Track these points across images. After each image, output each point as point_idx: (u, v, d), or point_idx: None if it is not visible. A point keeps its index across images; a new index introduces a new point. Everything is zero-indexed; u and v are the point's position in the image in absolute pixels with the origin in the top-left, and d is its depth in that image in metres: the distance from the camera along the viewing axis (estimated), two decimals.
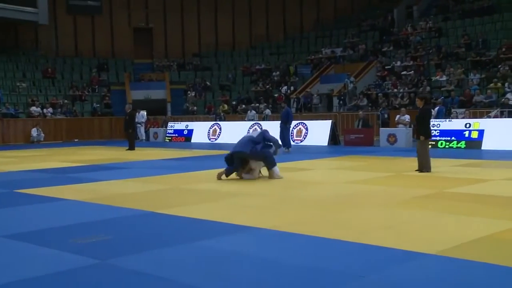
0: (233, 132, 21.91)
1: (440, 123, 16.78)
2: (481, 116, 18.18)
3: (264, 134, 9.86)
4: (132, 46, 34.58)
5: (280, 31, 36.40)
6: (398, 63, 26.77)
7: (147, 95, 30.19)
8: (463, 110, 19.53)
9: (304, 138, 19.84)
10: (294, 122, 18.72)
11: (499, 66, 22.75)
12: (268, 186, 8.74)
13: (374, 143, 18.20)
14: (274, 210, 6.70)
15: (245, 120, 23.92)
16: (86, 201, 7.59)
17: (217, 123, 23.64)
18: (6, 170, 12.18)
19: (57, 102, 28.28)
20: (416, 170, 10.13)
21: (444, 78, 23.87)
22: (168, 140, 24.35)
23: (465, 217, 5.98)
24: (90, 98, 30.18)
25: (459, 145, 16.17)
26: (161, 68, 33.63)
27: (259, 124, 21.73)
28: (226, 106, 28.53)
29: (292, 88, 29.31)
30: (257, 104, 27.54)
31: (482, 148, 15.62)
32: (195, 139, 23.41)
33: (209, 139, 22.97)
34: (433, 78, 24.33)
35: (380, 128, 18.97)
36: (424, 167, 10.03)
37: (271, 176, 9.55)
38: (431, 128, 11.63)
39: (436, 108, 18.67)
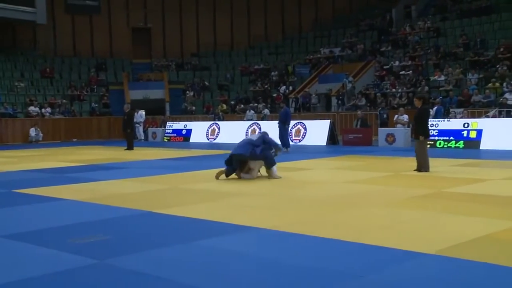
0: (232, 132, 21.93)
1: (438, 123, 16.80)
2: (479, 116, 18.20)
3: (264, 137, 9.84)
4: (130, 46, 34.55)
5: (278, 31, 36.40)
6: (397, 63, 26.79)
7: (146, 95, 30.17)
8: (461, 110, 19.55)
9: (303, 138, 19.84)
10: (292, 122, 18.72)
11: (497, 66, 22.77)
12: (267, 186, 8.74)
13: (373, 143, 18.21)
14: (273, 210, 6.70)
15: (244, 120, 23.92)
16: (85, 201, 7.58)
17: (215, 123, 23.63)
18: (4, 170, 12.16)
19: (56, 102, 28.25)
20: (415, 170, 10.13)
21: (443, 78, 23.88)
22: (166, 140, 24.34)
23: (464, 217, 5.98)
24: (88, 98, 30.14)
25: (457, 145, 16.19)
26: (159, 68, 33.61)
27: (257, 124, 21.74)
28: (224, 106, 28.52)
29: (290, 88, 29.31)
30: (256, 104, 27.54)
31: (481, 148, 15.64)
32: (193, 139, 23.40)
33: (208, 139, 22.96)
34: (432, 78, 24.35)
35: (379, 128, 18.99)
36: (422, 166, 10.04)
37: (269, 176, 9.56)
38: (429, 128, 11.64)
39: (435, 108, 18.69)
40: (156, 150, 18.78)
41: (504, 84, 20.92)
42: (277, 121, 17.37)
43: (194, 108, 29.18)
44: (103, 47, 34.07)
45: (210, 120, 24.80)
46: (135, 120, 22.00)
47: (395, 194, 7.65)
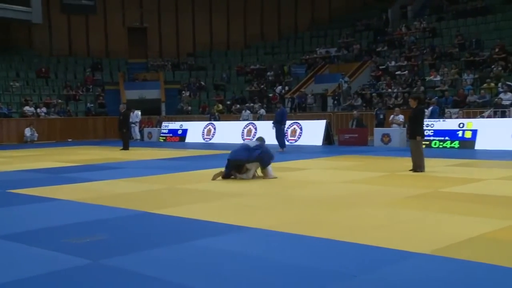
0: (228, 132, 21.94)
1: (434, 123, 16.85)
2: (474, 116, 18.26)
3: (262, 146, 9.74)
4: (126, 46, 34.49)
5: (274, 31, 36.41)
6: (393, 63, 26.84)
7: (142, 95, 30.14)
8: (456, 110, 19.60)
9: (299, 138, 19.86)
10: (288, 122, 18.74)
11: (493, 66, 22.85)
12: (262, 186, 8.74)
13: (368, 143, 18.24)
14: (269, 210, 6.71)
15: (240, 120, 23.91)
16: (80, 201, 7.57)
17: (211, 123, 23.62)
18: None
19: (51, 101, 28.17)
20: (410, 170, 10.16)
21: (438, 78, 23.95)
22: (162, 140, 24.31)
23: (459, 217, 6.00)
24: (84, 98, 30.09)
25: (452, 145, 16.24)
26: (155, 67, 33.57)
27: (253, 124, 21.73)
28: (220, 106, 28.51)
29: (286, 88, 29.33)
30: (252, 104, 27.54)
31: (476, 148, 15.70)
32: (189, 139, 23.38)
33: (204, 139, 22.94)
34: (427, 78, 24.41)
35: (374, 128, 19.02)
36: (418, 166, 10.07)
37: (265, 176, 9.56)
38: (425, 128, 11.69)
39: (430, 108, 18.74)
40: (152, 150, 18.76)
41: (499, 85, 20.99)
42: (272, 121, 17.41)
43: (190, 108, 29.16)
44: (99, 47, 34.00)
45: (206, 120, 24.78)
46: (131, 120, 21.96)
47: (391, 194, 7.67)
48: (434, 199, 7.16)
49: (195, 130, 23.52)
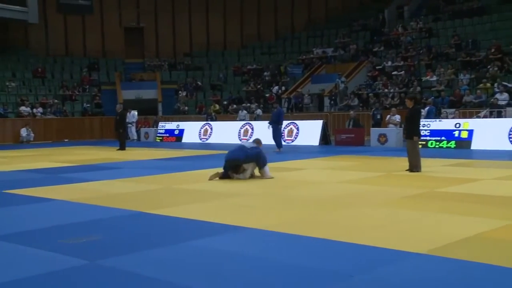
0: (224, 132, 21.93)
1: (430, 123, 16.88)
2: (470, 116, 18.32)
3: (258, 152, 9.70)
4: (123, 46, 34.43)
5: (271, 31, 36.42)
6: (389, 63, 26.88)
7: (138, 95, 30.10)
8: (453, 110, 19.65)
9: (295, 138, 19.87)
10: (285, 122, 18.76)
11: (489, 67, 22.91)
12: (259, 186, 8.74)
13: (365, 143, 18.27)
14: (266, 210, 6.71)
15: (237, 120, 23.91)
16: (77, 201, 7.55)
17: (208, 123, 23.61)
18: None
19: (47, 102, 28.09)
20: (407, 170, 10.18)
21: (435, 78, 24.00)
22: (159, 140, 24.29)
23: (456, 216, 6.02)
24: (80, 98, 30.02)
25: (449, 145, 16.28)
26: (152, 68, 33.53)
27: (250, 124, 21.74)
28: (217, 106, 28.50)
29: (283, 88, 29.34)
30: (248, 104, 27.55)
31: (472, 148, 15.74)
32: (186, 139, 23.36)
33: (200, 139, 22.93)
34: (424, 78, 24.46)
35: (371, 128, 19.05)
36: (414, 166, 10.09)
37: (262, 176, 9.57)
38: (421, 128, 11.70)
39: (427, 108, 18.78)
40: (149, 150, 18.74)
41: (495, 85, 21.06)
42: (268, 121, 17.42)
43: (186, 108, 29.14)
44: (96, 46, 33.93)
45: (202, 120, 24.77)
46: (127, 120, 21.94)
47: (388, 194, 7.68)
48: (431, 199, 7.18)
49: (191, 130, 23.50)
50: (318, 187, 8.59)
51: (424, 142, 15.95)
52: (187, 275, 4.11)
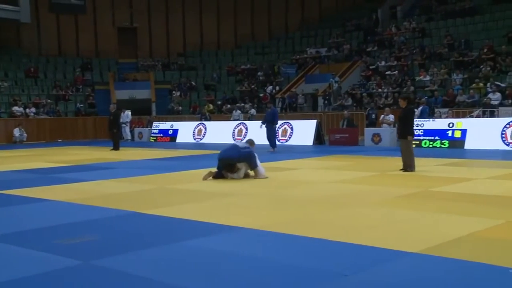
0: (219, 132, 21.91)
1: (424, 122, 16.94)
2: (464, 115, 18.40)
3: (250, 153, 9.73)
4: (116, 46, 34.32)
5: (265, 31, 36.42)
6: (383, 63, 26.96)
7: (132, 95, 30.02)
8: (446, 109, 19.73)
9: (289, 138, 19.88)
10: (279, 122, 18.75)
11: (481, 67, 23.03)
12: (254, 186, 8.74)
13: (359, 143, 18.30)
14: (260, 210, 6.71)
15: (231, 120, 23.90)
16: (71, 201, 7.52)
17: (202, 123, 23.58)
18: None
19: (40, 101, 27.96)
20: (401, 170, 10.21)
21: (428, 78, 24.09)
22: (153, 140, 24.24)
23: (450, 216, 6.03)
24: (73, 98, 29.90)
25: (442, 145, 16.34)
26: (145, 67, 33.45)
27: (244, 124, 21.73)
28: (211, 106, 28.48)
29: (277, 88, 29.35)
30: (242, 104, 27.54)
31: (465, 147, 15.80)
32: (180, 139, 23.32)
33: (194, 139, 22.90)
34: (417, 78, 24.55)
35: (365, 128, 19.10)
36: (408, 166, 10.12)
37: (256, 176, 9.56)
38: (414, 127, 11.74)
39: (420, 108, 18.84)
40: (143, 150, 18.69)
41: (488, 85, 21.17)
42: (261, 121, 17.43)
43: (180, 108, 29.09)
44: (89, 46, 33.80)
45: (196, 120, 24.74)
46: (121, 120, 21.87)
47: (382, 193, 7.70)
48: (425, 199, 7.20)
49: (186, 130, 23.47)
50: (312, 187, 8.59)
51: (417, 142, 16.01)
52: (181, 275, 4.10)
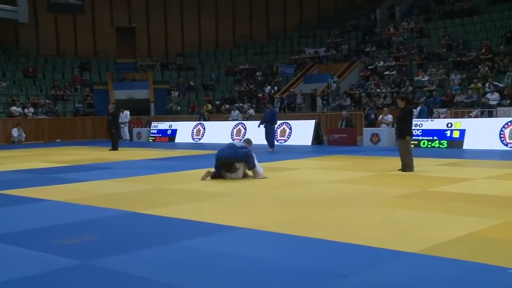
0: (217, 132, 21.90)
1: (422, 122, 16.96)
2: (462, 116, 18.42)
3: (247, 148, 9.76)
4: (114, 46, 34.30)
5: (263, 31, 36.43)
6: (381, 63, 26.97)
7: (130, 95, 30.00)
8: (444, 110, 19.75)
9: (288, 138, 19.89)
10: (277, 122, 18.76)
11: (479, 67, 23.06)
12: (252, 186, 8.74)
13: (358, 143, 18.31)
14: (259, 210, 6.71)
15: (229, 120, 23.90)
16: (69, 201, 7.51)
17: (201, 123, 23.58)
18: None
19: (39, 102, 27.93)
20: (399, 170, 10.22)
21: (426, 78, 24.12)
22: (151, 140, 24.22)
23: (449, 216, 6.04)
24: (72, 98, 29.88)
25: (441, 145, 16.36)
26: (144, 67, 33.44)
27: (243, 124, 21.73)
28: (209, 106, 28.47)
29: (276, 88, 29.36)
30: (241, 104, 27.54)
31: (464, 147, 15.82)
32: (178, 139, 23.32)
33: (193, 139, 22.90)
34: (415, 78, 24.57)
35: (364, 128, 19.11)
36: (407, 166, 10.12)
37: (255, 176, 9.56)
38: (413, 127, 11.76)
39: (418, 108, 18.86)
40: (141, 150, 18.68)
41: (486, 85, 21.19)
42: (259, 121, 17.42)
43: (179, 108, 29.08)
44: (87, 46, 33.78)
45: (195, 120, 24.74)
46: (120, 120, 21.86)
47: (381, 193, 7.70)
48: (424, 199, 7.20)
49: (184, 130, 23.46)
50: (311, 187, 8.59)
51: (416, 142, 16.01)
52: (180, 275, 4.09)
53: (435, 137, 16.53)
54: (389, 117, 18.87)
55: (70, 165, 13.08)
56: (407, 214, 6.17)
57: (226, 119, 24.49)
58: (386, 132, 17.73)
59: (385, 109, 20.10)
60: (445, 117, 18.16)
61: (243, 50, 35.44)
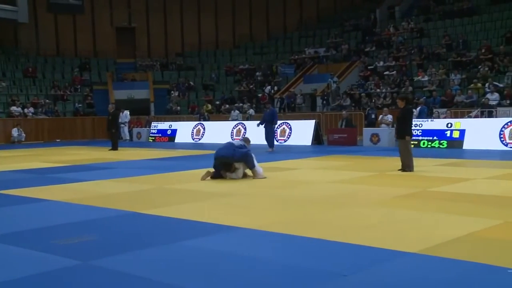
0: (217, 132, 21.90)
1: (422, 122, 16.96)
2: (462, 116, 18.42)
3: (246, 147, 9.80)
4: (114, 46, 34.30)
5: (263, 31, 36.43)
6: (381, 63, 26.97)
7: (130, 95, 30.00)
8: (444, 110, 19.75)
9: (288, 138, 19.89)
10: (278, 122, 18.76)
11: (479, 67, 23.06)
12: (252, 186, 8.74)
13: (358, 143, 18.32)
14: (259, 210, 6.71)
15: (229, 120, 23.90)
16: (69, 201, 7.51)
17: (200, 123, 23.58)
18: None
19: (39, 101, 27.93)
20: (399, 170, 10.22)
21: (426, 78, 24.12)
22: (151, 140, 24.22)
23: (449, 216, 6.04)
24: (72, 98, 29.88)
25: (440, 145, 16.36)
26: (144, 67, 33.44)
27: (242, 124, 21.73)
28: (209, 106, 28.47)
29: (275, 88, 29.36)
30: (241, 104, 27.54)
31: (464, 147, 15.82)
32: (178, 139, 23.32)
33: (193, 139, 22.90)
34: (415, 78, 24.57)
35: (364, 128, 19.11)
36: (407, 166, 10.12)
37: (254, 176, 9.56)
38: (413, 128, 11.76)
39: (418, 108, 18.86)
40: (141, 150, 18.68)
41: (486, 85, 21.19)
42: (259, 122, 17.42)
43: (179, 108, 29.08)
44: (87, 46, 33.79)
45: (195, 120, 24.74)
46: (120, 120, 21.87)
47: (381, 193, 7.70)
48: (423, 199, 7.20)
49: (184, 130, 23.46)
50: (311, 187, 8.59)
51: (416, 142, 16.01)
52: (180, 275, 4.09)
53: (435, 137, 16.53)
54: (389, 117, 18.87)
55: (70, 165, 13.08)
56: (407, 214, 6.17)
57: (226, 119, 24.49)
58: (386, 132, 17.73)
59: (385, 109, 20.09)
60: (445, 117, 18.16)
61: (243, 50, 35.44)
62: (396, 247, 4.66)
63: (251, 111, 25.40)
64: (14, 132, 24.87)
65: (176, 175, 10.50)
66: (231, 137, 20.78)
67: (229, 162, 9.51)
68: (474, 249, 4.71)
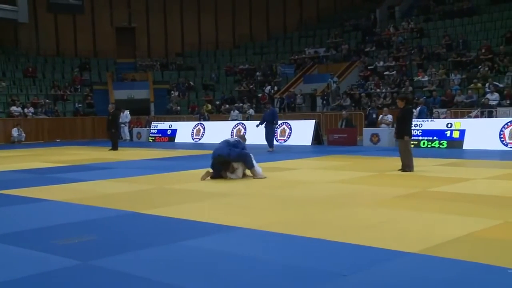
0: (217, 132, 21.88)
1: (422, 123, 16.96)
2: (462, 116, 18.42)
3: (241, 143, 9.83)
4: (114, 46, 34.31)
5: (263, 31, 36.43)
6: (381, 63, 26.97)
7: (130, 95, 30.01)
8: (444, 110, 19.75)
9: (288, 138, 19.89)
10: (278, 122, 18.76)
11: (479, 67, 23.06)
12: (252, 186, 8.74)
13: (358, 143, 18.32)
14: (259, 210, 6.71)
15: (229, 120, 23.90)
16: (69, 201, 7.51)
17: (200, 123, 23.58)
18: None
19: (39, 101, 27.93)
20: (399, 170, 10.22)
21: (426, 78, 24.12)
22: (151, 140, 24.22)
23: (448, 216, 6.04)
24: (72, 98, 29.88)
25: (440, 145, 16.36)
26: (144, 67, 33.44)
27: (242, 124, 21.73)
28: (209, 106, 28.48)
29: (275, 88, 29.36)
30: (241, 104, 27.54)
31: (464, 147, 15.82)
32: (178, 139, 23.32)
33: (193, 139, 22.90)
34: (415, 78, 24.57)
35: (364, 128, 19.11)
36: (407, 166, 10.12)
37: (254, 176, 9.56)
38: (413, 128, 11.76)
39: (418, 108, 18.86)
40: (141, 150, 18.68)
41: (486, 85, 21.19)
42: (259, 122, 17.41)
43: (179, 108, 29.08)
44: (87, 46, 33.79)
45: (195, 120, 24.74)
46: (120, 120, 21.87)
47: (381, 193, 7.70)
48: (423, 199, 7.20)
49: (184, 130, 23.46)
50: (311, 187, 8.59)
51: (416, 142, 16.02)
52: (180, 275, 4.09)
53: (435, 137, 16.53)
54: (389, 117, 18.87)
55: (70, 165, 13.08)
56: (406, 214, 6.17)
57: (226, 119, 24.49)
58: (386, 132, 17.73)
59: (385, 109, 20.09)
60: (445, 117, 18.16)
61: (243, 50, 35.44)
62: (396, 247, 4.66)
63: (251, 111, 25.40)
64: (14, 132, 24.87)
65: (176, 175, 10.50)
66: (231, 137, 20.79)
67: (225, 160, 9.50)
68: (474, 249, 4.71)
